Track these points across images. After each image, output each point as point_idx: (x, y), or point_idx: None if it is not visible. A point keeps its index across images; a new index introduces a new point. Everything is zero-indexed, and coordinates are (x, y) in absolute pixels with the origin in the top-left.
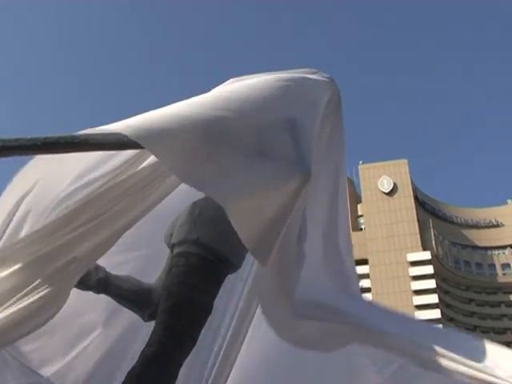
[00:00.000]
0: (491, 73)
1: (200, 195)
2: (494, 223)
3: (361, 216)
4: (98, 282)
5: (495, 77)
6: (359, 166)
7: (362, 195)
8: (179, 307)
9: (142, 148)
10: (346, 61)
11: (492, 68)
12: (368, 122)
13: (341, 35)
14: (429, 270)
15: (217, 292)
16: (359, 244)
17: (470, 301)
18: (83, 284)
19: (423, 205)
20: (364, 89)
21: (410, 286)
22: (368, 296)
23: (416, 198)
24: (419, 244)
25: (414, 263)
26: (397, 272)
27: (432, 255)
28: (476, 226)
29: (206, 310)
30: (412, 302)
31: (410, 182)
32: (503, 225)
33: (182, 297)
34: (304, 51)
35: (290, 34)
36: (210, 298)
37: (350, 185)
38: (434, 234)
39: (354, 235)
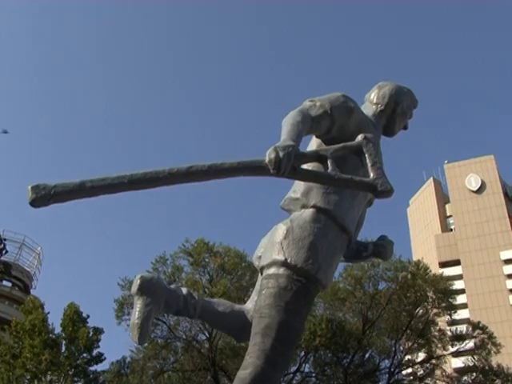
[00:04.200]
0: None
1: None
2: None
3: (450, 216)
4: (194, 307)
5: None
6: (445, 166)
7: (450, 195)
8: (271, 329)
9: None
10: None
11: None
12: (450, 121)
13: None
14: None
15: (308, 311)
16: (450, 245)
17: None
18: (180, 310)
19: None
20: (444, 87)
21: (505, 285)
22: (462, 297)
23: (506, 195)
24: None
25: (508, 261)
26: (490, 271)
27: None
28: None
29: (298, 329)
30: (508, 301)
31: (498, 178)
32: None
33: (273, 318)
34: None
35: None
36: (302, 318)
37: (437, 185)
38: None
39: (445, 236)
